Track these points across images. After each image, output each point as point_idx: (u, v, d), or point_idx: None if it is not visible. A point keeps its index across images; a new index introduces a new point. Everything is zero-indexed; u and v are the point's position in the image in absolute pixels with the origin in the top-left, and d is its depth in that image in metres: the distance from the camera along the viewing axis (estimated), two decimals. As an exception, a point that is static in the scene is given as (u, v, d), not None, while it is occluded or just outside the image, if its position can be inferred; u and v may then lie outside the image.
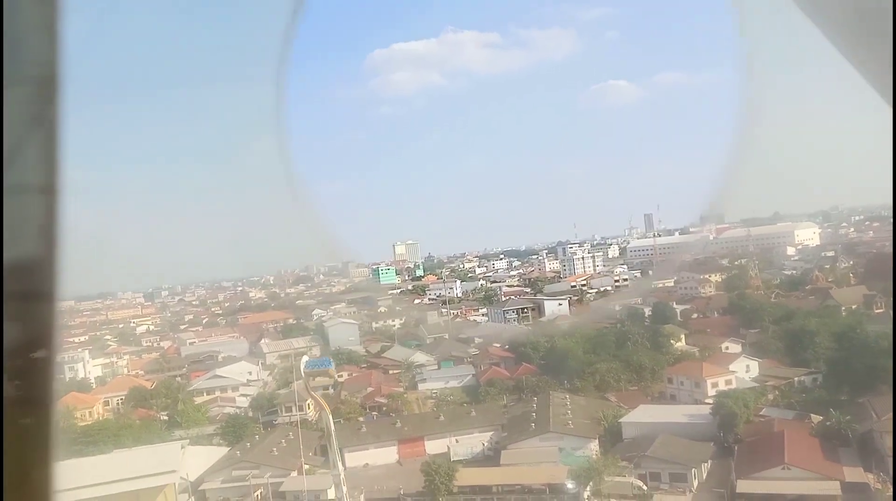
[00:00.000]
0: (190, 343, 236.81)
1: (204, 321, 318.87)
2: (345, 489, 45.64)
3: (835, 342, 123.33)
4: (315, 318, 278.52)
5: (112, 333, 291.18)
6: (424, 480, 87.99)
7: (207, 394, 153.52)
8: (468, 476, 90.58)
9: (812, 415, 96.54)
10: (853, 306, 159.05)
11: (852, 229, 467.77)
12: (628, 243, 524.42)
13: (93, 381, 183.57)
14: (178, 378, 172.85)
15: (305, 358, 47.46)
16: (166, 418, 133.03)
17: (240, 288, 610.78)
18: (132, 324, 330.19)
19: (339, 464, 44.80)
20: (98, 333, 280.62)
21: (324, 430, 52.67)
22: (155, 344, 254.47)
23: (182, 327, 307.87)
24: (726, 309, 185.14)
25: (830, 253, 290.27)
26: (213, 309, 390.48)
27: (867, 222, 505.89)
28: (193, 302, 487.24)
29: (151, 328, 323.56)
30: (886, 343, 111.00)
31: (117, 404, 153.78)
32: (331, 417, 44.83)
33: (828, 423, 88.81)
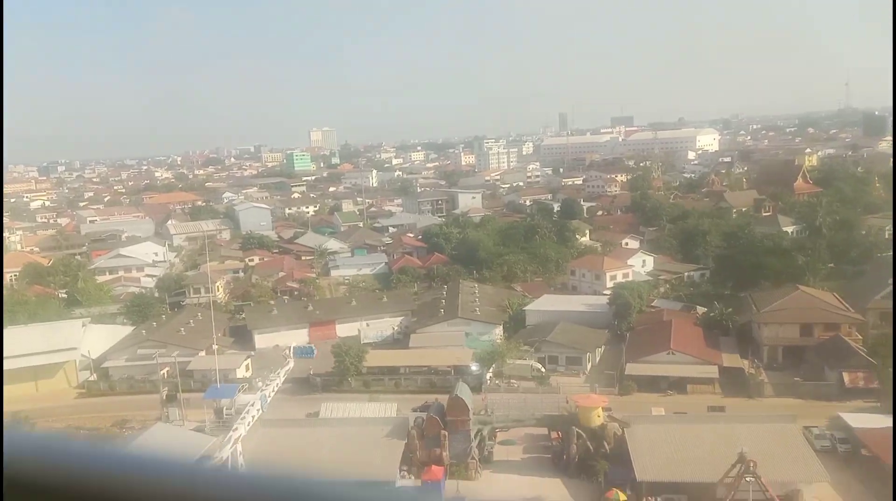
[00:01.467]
0: (90, 221, 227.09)
1: (105, 199, 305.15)
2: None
3: (724, 241, 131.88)
4: (225, 201, 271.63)
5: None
6: (335, 361, 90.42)
7: (110, 273, 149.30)
8: (377, 358, 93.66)
9: (698, 307, 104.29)
10: (743, 209, 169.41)
11: (749, 137, 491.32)
12: (542, 140, 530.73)
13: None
14: (78, 256, 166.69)
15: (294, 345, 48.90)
16: (65, 295, 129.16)
17: (144, 167, 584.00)
18: (25, 199, 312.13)
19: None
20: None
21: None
22: (51, 221, 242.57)
23: (81, 204, 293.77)
24: (629, 208, 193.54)
25: (727, 159, 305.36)
26: (115, 187, 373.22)
27: (763, 131, 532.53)
28: (94, 179, 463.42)
29: (47, 203, 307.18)
30: (770, 243, 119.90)
31: (11, 280, 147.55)
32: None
33: (711, 314, 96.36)
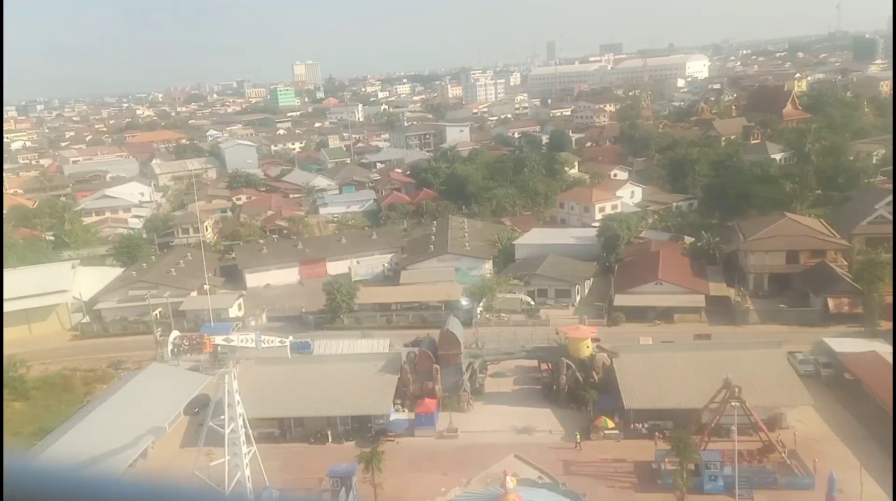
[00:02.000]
0: (73, 161, 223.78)
1: (87, 139, 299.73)
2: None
3: (712, 170, 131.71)
4: (210, 139, 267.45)
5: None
6: (326, 298, 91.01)
7: (97, 215, 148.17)
8: (369, 295, 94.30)
9: (686, 237, 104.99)
10: (732, 137, 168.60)
11: (739, 63, 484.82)
12: (530, 71, 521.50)
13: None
14: (63, 198, 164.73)
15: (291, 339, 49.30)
16: (52, 238, 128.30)
17: (125, 105, 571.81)
18: (6, 139, 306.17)
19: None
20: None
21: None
22: (34, 162, 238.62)
23: (63, 144, 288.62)
24: (618, 138, 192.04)
25: (717, 86, 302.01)
26: (96, 126, 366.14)
27: (753, 57, 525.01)
28: (74, 118, 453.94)
29: (28, 144, 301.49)
30: (759, 171, 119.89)
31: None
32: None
33: (699, 244, 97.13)
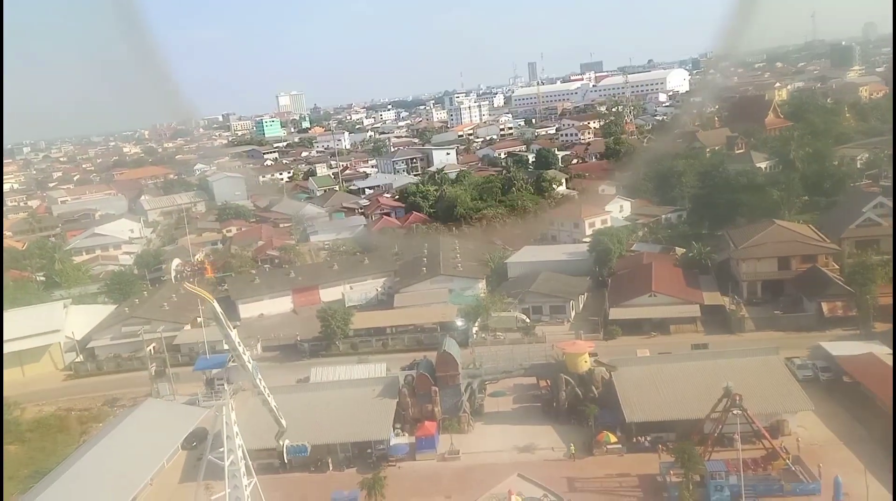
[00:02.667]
0: (62, 201, 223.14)
1: (75, 179, 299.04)
2: (242, 349, 46.38)
3: (699, 181, 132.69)
4: (197, 173, 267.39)
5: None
6: (321, 325, 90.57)
7: (87, 253, 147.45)
8: (363, 320, 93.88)
9: (677, 248, 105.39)
10: (716, 148, 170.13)
11: (719, 75, 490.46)
12: (513, 91, 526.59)
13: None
14: (52, 238, 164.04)
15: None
16: (43, 278, 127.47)
17: (112, 143, 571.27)
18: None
19: (233, 334, 45.00)
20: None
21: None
22: (21, 204, 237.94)
23: (51, 185, 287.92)
24: (603, 154, 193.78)
25: (698, 98, 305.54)
26: (84, 166, 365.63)
27: (732, 69, 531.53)
28: (61, 159, 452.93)
29: (16, 186, 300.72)
30: (745, 180, 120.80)
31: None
32: (217, 305, 44.58)
33: (690, 254, 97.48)
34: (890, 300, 72.81)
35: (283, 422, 57.33)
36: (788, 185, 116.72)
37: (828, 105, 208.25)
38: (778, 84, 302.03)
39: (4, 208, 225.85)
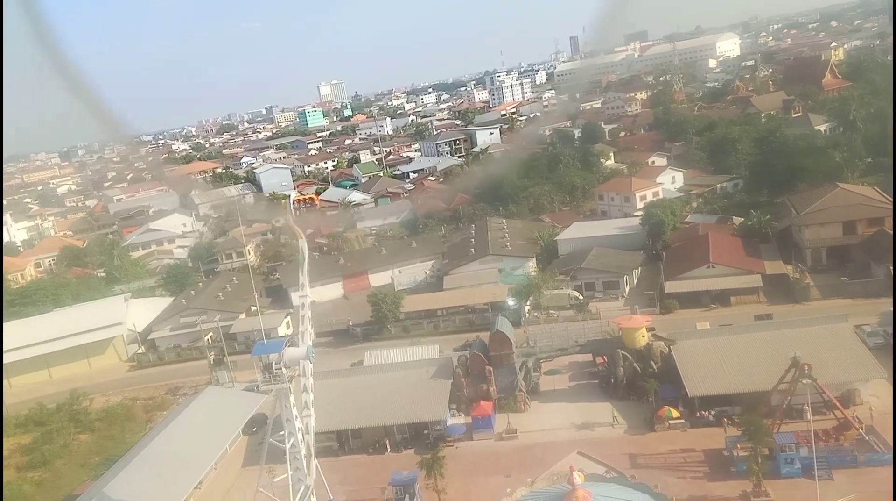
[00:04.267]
0: (117, 200, 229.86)
1: (129, 177, 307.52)
2: (309, 312, 46.95)
3: (755, 148, 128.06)
4: (244, 166, 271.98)
5: (31, 195, 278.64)
6: (372, 309, 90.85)
7: (143, 248, 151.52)
8: (414, 303, 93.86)
9: (734, 217, 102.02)
10: (772, 112, 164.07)
11: (771, 38, 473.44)
12: (555, 67, 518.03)
13: (19, 244, 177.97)
14: (110, 235, 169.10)
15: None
16: (104, 274, 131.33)
17: (161, 141, 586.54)
18: (51, 185, 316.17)
19: (307, 287, 45.75)
20: (16, 197, 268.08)
21: (299, 256, 53.15)
22: (80, 204, 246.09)
23: (106, 184, 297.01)
24: (652, 125, 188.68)
25: (750, 62, 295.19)
26: (136, 165, 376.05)
27: (785, 30, 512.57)
28: (114, 159, 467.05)
29: (73, 187, 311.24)
30: (804, 144, 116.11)
31: (49, 264, 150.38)
32: (305, 243, 45.66)
33: (749, 223, 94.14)
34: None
35: (312, 412, 54.55)
36: (850, 147, 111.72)
37: (888, 63, 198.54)
38: (834, 44, 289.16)
39: (64, 209, 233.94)
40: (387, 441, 62.46)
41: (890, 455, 47.58)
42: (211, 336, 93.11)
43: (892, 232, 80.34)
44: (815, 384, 49.27)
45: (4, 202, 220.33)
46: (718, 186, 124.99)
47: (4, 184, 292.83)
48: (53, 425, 76.56)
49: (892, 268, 72.07)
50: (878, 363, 56.74)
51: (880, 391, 56.35)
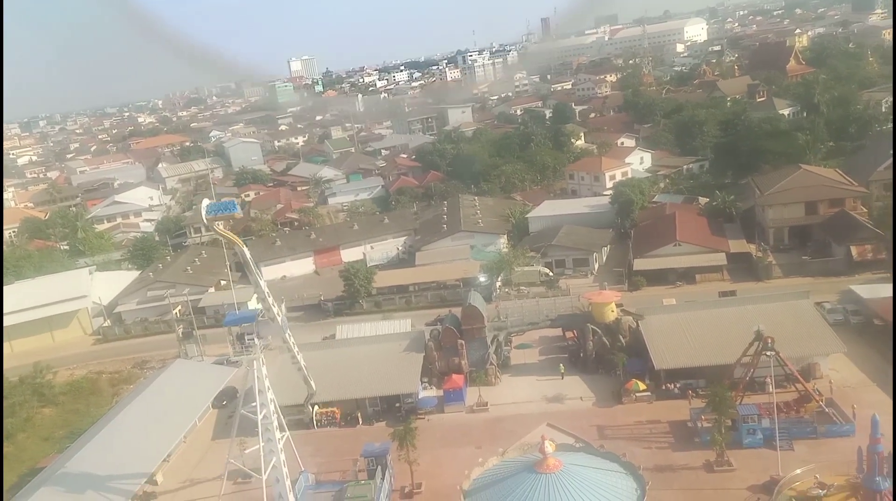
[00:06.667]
0: (80, 172, 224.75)
1: (92, 149, 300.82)
2: (271, 300, 46.48)
3: (720, 130, 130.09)
4: (213, 140, 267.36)
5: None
6: (344, 284, 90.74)
7: (108, 221, 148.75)
8: (386, 278, 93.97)
9: (700, 198, 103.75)
10: (737, 96, 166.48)
11: (737, 24, 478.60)
12: (527, 48, 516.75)
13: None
14: (73, 208, 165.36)
15: (206, 202, 44.36)
16: (67, 247, 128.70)
17: (126, 114, 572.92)
18: (12, 156, 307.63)
19: (262, 283, 45.15)
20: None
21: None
22: (41, 175, 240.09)
23: (69, 156, 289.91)
24: (621, 107, 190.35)
25: (717, 48, 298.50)
26: (100, 136, 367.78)
27: (751, 17, 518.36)
28: (77, 131, 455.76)
29: (34, 158, 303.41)
30: (768, 127, 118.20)
31: (10, 236, 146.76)
32: (246, 249, 44.55)
33: (714, 203, 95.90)
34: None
35: (313, 385, 57.72)
36: (813, 130, 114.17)
37: (850, 50, 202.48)
38: (798, 31, 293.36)
39: (24, 180, 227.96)
40: (358, 414, 62.79)
41: (848, 427, 49.37)
42: (179, 310, 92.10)
43: (854, 212, 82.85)
44: (777, 357, 50.70)
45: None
46: (685, 167, 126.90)
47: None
48: (16, 398, 75.05)
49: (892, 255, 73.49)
50: (838, 338, 58.65)
51: (839, 365, 58.35)
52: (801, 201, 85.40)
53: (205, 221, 44.34)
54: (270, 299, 46.51)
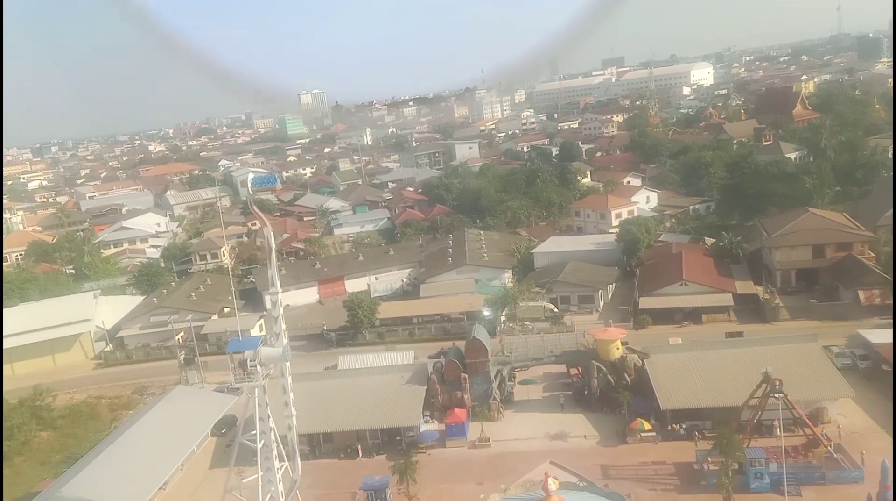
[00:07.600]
0: (90, 197, 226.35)
1: (102, 176, 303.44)
2: (281, 309, 46.10)
3: (727, 172, 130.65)
4: (221, 169, 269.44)
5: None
6: (348, 314, 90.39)
7: (115, 246, 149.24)
8: (390, 309, 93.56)
9: (706, 238, 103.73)
10: (744, 139, 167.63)
11: (743, 69, 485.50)
12: (534, 87, 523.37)
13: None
14: (81, 232, 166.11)
15: (251, 175, 45.93)
16: (73, 271, 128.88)
17: (137, 142, 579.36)
18: (22, 180, 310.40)
19: (277, 282, 44.93)
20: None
21: (264, 248, 52.01)
22: (50, 200, 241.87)
23: (79, 181, 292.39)
24: (628, 147, 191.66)
25: (723, 91, 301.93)
26: (110, 163, 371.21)
27: (757, 62, 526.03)
28: (88, 157, 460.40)
29: (44, 183, 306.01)
30: (775, 170, 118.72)
31: (17, 259, 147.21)
32: (272, 233, 44.83)
33: (720, 244, 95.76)
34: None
35: (293, 410, 55.39)
36: (820, 174, 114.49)
37: (857, 96, 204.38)
38: (804, 76, 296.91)
39: (34, 204, 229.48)
40: (359, 446, 61.98)
41: (857, 473, 48.50)
42: (182, 336, 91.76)
43: (861, 256, 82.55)
44: (784, 400, 50.08)
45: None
46: (691, 207, 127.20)
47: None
48: (14, 421, 74.23)
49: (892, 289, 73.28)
50: (847, 382, 57.97)
51: (847, 411, 57.53)
52: (809, 244, 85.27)
53: (250, 191, 45.48)
54: (280, 310, 46.00)
